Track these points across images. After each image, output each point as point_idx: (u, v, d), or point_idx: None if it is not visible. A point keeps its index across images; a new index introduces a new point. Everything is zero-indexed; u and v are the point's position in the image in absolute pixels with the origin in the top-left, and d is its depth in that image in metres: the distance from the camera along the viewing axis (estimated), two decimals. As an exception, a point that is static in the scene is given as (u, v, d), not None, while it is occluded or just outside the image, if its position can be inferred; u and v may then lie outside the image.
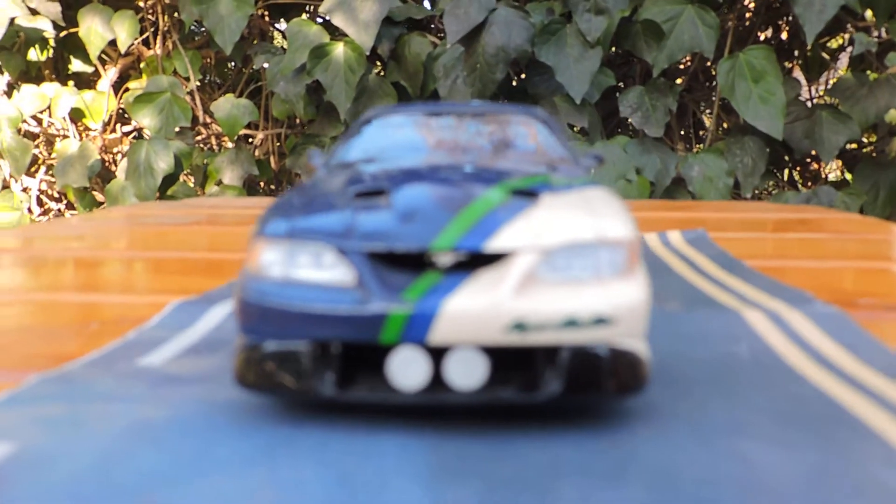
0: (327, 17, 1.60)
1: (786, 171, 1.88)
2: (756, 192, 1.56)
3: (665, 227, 0.75)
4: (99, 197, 1.85)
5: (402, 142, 0.40)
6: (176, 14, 1.78)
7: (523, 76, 1.67)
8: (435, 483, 0.23)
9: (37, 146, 1.94)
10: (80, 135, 1.88)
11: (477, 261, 0.26)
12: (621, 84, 1.77)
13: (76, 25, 1.72)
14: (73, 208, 1.96)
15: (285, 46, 1.64)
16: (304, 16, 1.83)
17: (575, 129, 1.65)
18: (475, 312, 0.25)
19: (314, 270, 0.27)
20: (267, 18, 1.90)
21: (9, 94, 1.76)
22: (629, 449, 0.25)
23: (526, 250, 0.26)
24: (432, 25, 1.79)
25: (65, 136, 1.86)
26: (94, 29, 1.70)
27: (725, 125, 1.74)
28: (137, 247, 0.76)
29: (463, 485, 0.23)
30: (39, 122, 1.91)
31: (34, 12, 1.68)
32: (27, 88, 1.74)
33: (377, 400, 0.26)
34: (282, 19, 1.91)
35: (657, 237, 0.70)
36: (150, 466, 0.24)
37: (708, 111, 1.75)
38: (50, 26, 1.70)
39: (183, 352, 0.36)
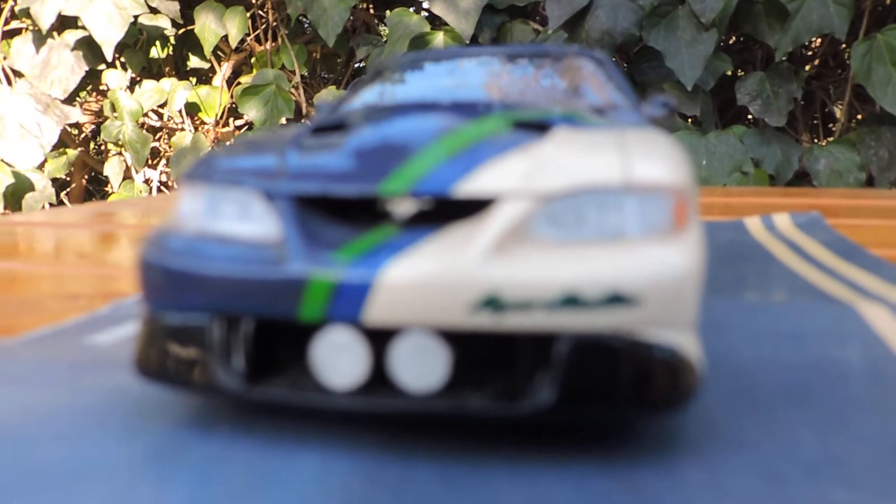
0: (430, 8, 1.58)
1: (931, 166, 1.68)
2: (893, 188, 1.40)
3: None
4: (211, 188, 1.93)
5: (413, 91, 0.34)
6: (285, 9, 1.82)
7: (631, 61, 1.58)
8: None
9: (158, 139, 2.04)
10: (195, 128, 1.96)
11: (449, 211, 0.19)
12: (741, 71, 1.64)
13: (194, 23, 1.80)
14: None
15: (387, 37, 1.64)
16: (411, 9, 1.83)
17: (689, 119, 1.55)
18: (429, 281, 0.18)
19: (238, 222, 0.21)
20: (372, 11, 1.91)
21: (131, 89, 1.86)
22: (652, 493, 0.17)
23: (514, 196, 0.19)
24: (537, 16, 1.73)
25: (182, 130, 1.95)
26: (207, 25, 1.76)
27: (859, 115, 1.57)
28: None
29: None
30: (160, 116, 2.01)
31: (155, 11, 1.76)
32: (147, 84, 1.83)
33: (296, 401, 0.19)
34: (387, 11, 1.90)
35: (760, 220, 0.60)
36: None
37: (839, 99, 1.59)
38: (169, 24, 1.77)
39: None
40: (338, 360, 0.19)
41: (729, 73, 1.49)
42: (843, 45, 1.53)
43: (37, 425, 0.22)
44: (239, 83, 1.88)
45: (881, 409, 0.23)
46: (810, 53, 1.67)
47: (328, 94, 1.70)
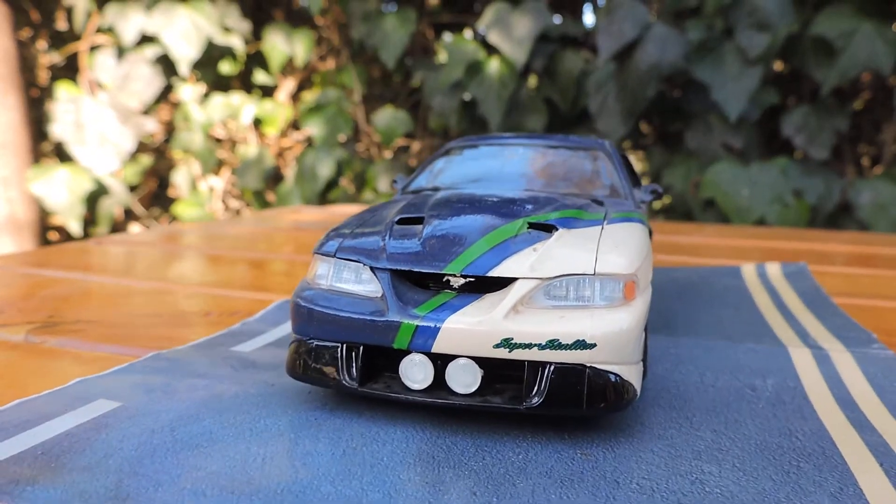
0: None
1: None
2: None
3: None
4: (270, 197, 2.03)
5: (467, 172, 0.46)
6: (348, 32, 1.92)
7: (677, 93, 1.63)
8: (414, 468, 0.27)
9: (222, 149, 2.16)
10: (259, 140, 2.07)
11: (487, 283, 0.31)
12: (793, 97, 1.67)
13: (261, 41, 1.91)
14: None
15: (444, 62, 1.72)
16: (467, 32, 1.91)
17: (737, 151, 1.58)
18: (470, 329, 0.29)
19: (353, 284, 0.32)
20: (430, 35, 1.99)
21: (201, 102, 1.98)
22: (597, 459, 0.28)
23: (525, 278, 0.30)
24: (588, 46, 1.79)
25: (246, 142, 2.06)
26: (275, 45, 1.87)
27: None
28: (268, 249, 0.85)
29: (436, 472, 0.27)
30: (225, 127, 2.13)
31: (228, 30, 1.88)
32: (217, 98, 1.94)
33: (389, 396, 0.31)
34: (446, 31, 1.99)
35: (755, 269, 0.68)
36: (207, 428, 0.30)
37: (888, 133, 1.61)
38: (240, 42, 1.89)
39: (269, 343, 0.43)
40: (415, 372, 0.30)
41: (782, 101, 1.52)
42: (893, 80, 1.55)
43: (227, 403, 0.33)
44: (301, 100, 1.99)
45: (767, 422, 0.32)
46: (866, 82, 1.69)
47: (385, 113, 1.79)
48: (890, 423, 0.32)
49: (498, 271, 0.30)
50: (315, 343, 0.32)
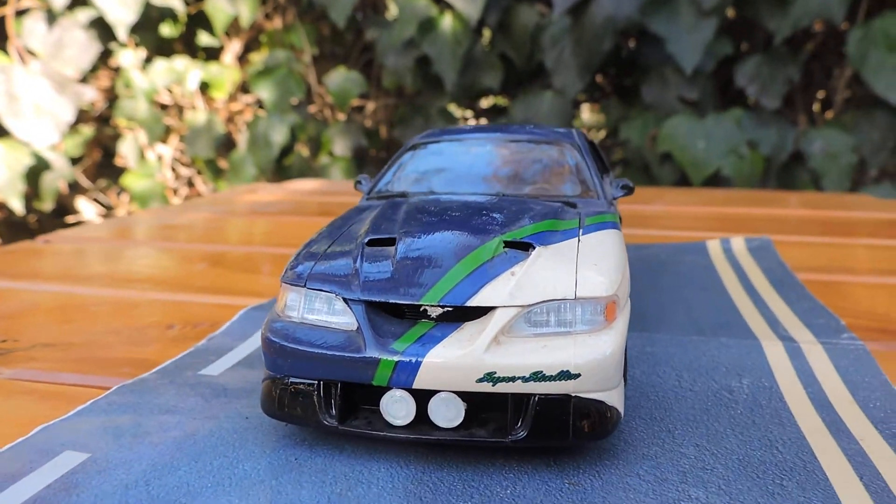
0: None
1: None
2: (883, 170, 1.45)
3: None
4: (223, 164, 1.98)
5: (433, 172, 0.44)
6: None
7: (633, 46, 1.62)
8: None
9: (169, 116, 2.08)
10: (207, 105, 2.00)
11: (466, 311, 0.30)
12: (745, 44, 1.67)
13: (203, 1, 1.82)
14: (202, 174, 2.10)
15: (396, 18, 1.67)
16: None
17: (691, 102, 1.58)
18: (452, 364, 0.28)
19: (326, 315, 0.31)
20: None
21: (143, 68, 1.90)
22: (585, 490, 0.28)
23: (505, 306, 0.29)
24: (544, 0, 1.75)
25: (193, 107, 1.99)
26: (218, 5, 1.79)
27: (857, 97, 1.61)
28: (226, 240, 0.83)
29: None
30: (170, 92, 2.05)
31: (166, -10, 1.79)
32: (160, 63, 1.86)
33: (371, 433, 0.30)
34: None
35: (720, 244, 0.69)
36: (183, 480, 0.29)
37: (838, 81, 1.63)
38: (180, 3, 1.80)
39: (238, 363, 0.41)
40: (396, 408, 0.29)
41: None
42: (845, 26, 1.56)
43: (202, 445, 0.31)
44: (248, 61, 1.92)
45: (747, 431, 0.33)
46: (818, 30, 1.70)
47: (338, 74, 1.74)
48: (865, 425, 0.33)
49: (477, 300, 0.29)
50: (290, 380, 0.30)
